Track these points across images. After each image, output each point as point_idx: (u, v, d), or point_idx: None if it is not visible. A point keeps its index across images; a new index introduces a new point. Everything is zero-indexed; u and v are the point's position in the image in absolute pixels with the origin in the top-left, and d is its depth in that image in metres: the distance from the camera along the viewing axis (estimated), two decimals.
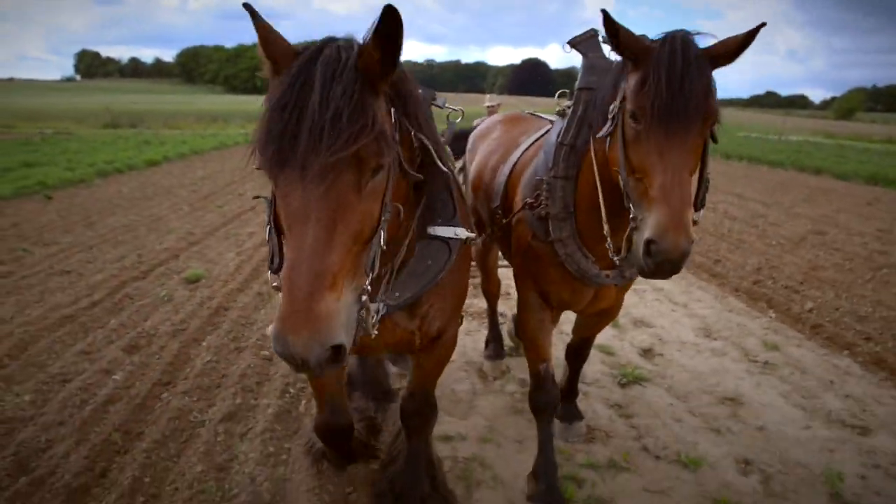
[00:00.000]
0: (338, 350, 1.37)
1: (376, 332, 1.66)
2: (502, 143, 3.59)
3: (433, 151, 1.90)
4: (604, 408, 4.05)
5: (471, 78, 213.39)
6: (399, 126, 1.64)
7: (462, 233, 2.22)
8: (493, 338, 4.76)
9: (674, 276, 1.99)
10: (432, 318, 2.31)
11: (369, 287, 1.53)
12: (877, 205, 13.57)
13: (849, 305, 6.29)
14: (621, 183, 2.14)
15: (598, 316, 3.25)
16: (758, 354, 5.04)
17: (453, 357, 4.62)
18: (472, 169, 3.81)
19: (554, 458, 3.12)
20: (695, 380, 4.51)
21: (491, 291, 4.78)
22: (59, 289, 6.21)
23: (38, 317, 5.32)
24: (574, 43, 2.70)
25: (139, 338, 4.92)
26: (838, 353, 5.14)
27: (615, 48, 2.14)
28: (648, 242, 1.93)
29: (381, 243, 1.55)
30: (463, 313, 2.68)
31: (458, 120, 2.64)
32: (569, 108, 2.74)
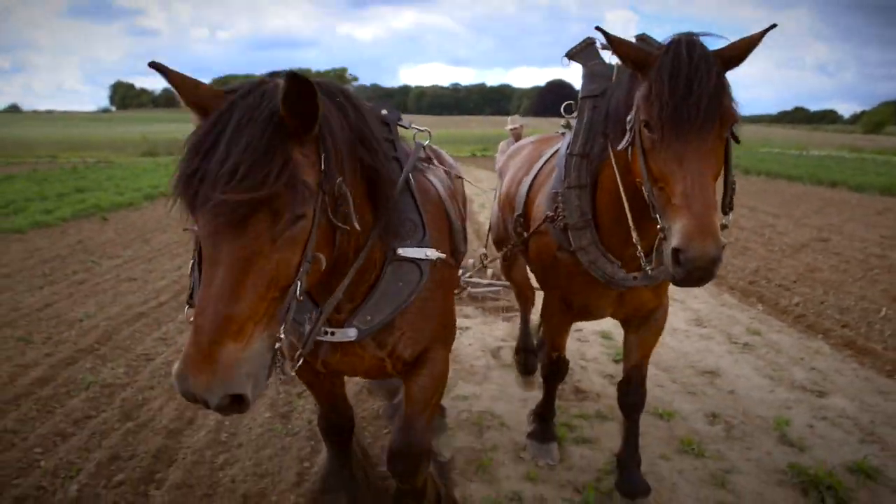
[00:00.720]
0: (239, 398, 1.38)
1: (293, 375, 1.73)
2: (527, 159, 3.68)
3: (383, 176, 1.91)
4: (599, 377, 4.77)
5: (496, 101, 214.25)
6: (327, 172, 1.58)
7: (432, 254, 2.19)
8: (525, 347, 4.70)
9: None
10: (404, 346, 2.25)
11: (283, 336, 1.50)
12: (887, 214, 13.99)
13: (834, 300, 6.91)
14: (645, 194, 2.12)
15: (642, 328, 3.09)
16: (740, 338, 5.72)
17: (471, 341, 5.44)
18: (503, 186, 3.90)
19: (553, 405, 3.75)
20: (681, 357, 5.21)
21: (525, 296, 4.77)
22: (129, 292, 7.15)
23: (116, 313, 6.24)
24: (571, 54, 2.73)
25: None
26: (813, 337, 5.79)
27: (623, 61, 2.17)
28: (676, 251, 1.89)
29: (298, 294, 1.51)
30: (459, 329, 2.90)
31: (426, 142, 2.69)
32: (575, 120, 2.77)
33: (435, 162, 2.93)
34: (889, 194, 17.61)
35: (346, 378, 2.81)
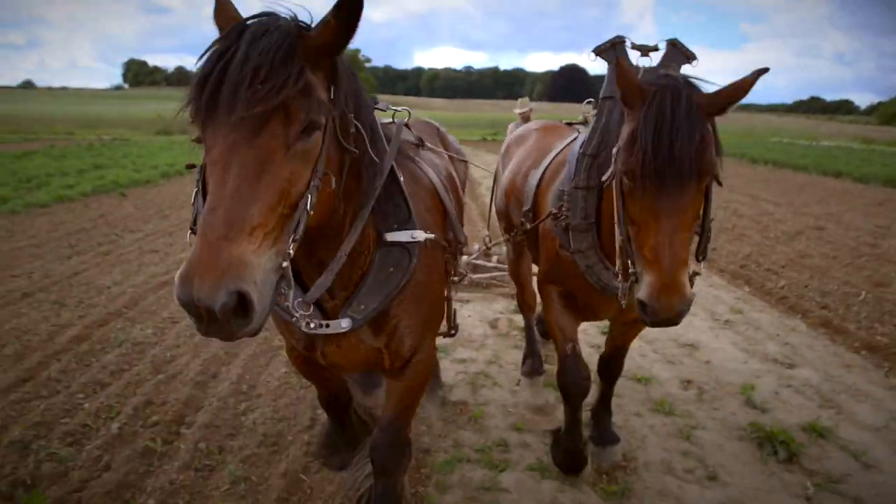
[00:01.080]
0: (244, 302, 1.28)
1: (303, 314, 1.81)
2: (535, 149, 3.64)
3: (368, 141, 1.87)
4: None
5: (509, 84, 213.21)
6: (337, 104, 1.60)
7: (420, 235, 2.14)
8: (531, 353, 4.61)
9: None
10: (401, 335, 2.22)
11: (291, 251, 1.46)
12: (887, 204, 14.22)
13: (818, 284, 7.26)
14: (617, 234, 2.17)
15: (631, 324, 3.17)
16: (723, 316, 6.12)
17: (470, 313, 5.85)
18: (506, 174, 3.90)
19: (580, 430, 3.32)
20: (664, 332, 5.59)
21: (527, 303, 4.65)
22: (152, 263, 7.61)
23: (141, 282, 6.70)
24: (599, 51, 2.66)
25: None
26: (793, 317, 6.18)
27: (624, 100, 2.15)
28: (641, 304, 1.96)
29: (309, 207, 1.49)
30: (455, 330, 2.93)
31: (405, 119, 2.57)
32: (593, 116, 2.76)
33: (429, 145, 2.93)
34: (892, 185, 17.75)
35: None
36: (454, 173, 3.19)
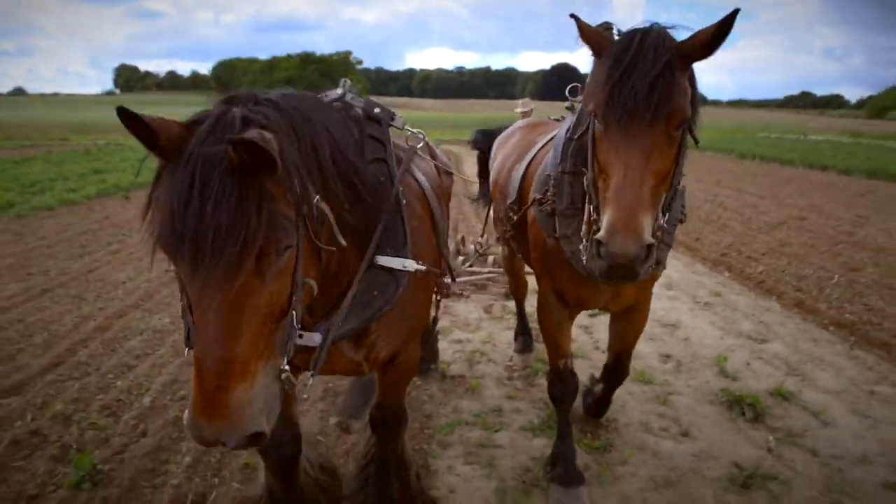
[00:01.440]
0: (257, 434, 1.39)
1: (306, 397, 1.95)
2: (519, 145, 3.68)
3: (360, 185, 1.86)
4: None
5: (501, 84, 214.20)
6: (303, 196, 1.52)
7: (410, 265, 2.13)
8: (522, 331, 4.91)
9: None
10: (380, 348, 2.25)
11: (287, 366, 1.52)
12: (868, 196, 14.68)
13: (795, 270, 7.68)
14: (585, 183, 2.15)
15: (625, 321, 3.29)
16: (703, 298, 6.53)
17: (468, 295, 6.23)
18: (493, 173, 3.95)
19: (572, 440, 3.29)
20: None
21: (518, 293, 4.94)
22: (162, 259, 7.84)
23: (154, 277, 7.06)
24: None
25: None
26: (768, 299, 6.59)
27: (586, 44, 2.13)
28: (598, 243, 1.89)
29: (296, 323, 1.53)
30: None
31: (419, 145, 2.59)
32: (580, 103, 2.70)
33: (420, 154, 2.89)
34: (874, 177, 18.26)
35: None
36: (443, 183, 3.24)
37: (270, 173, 1.37)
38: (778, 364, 4.84)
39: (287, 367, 1.52)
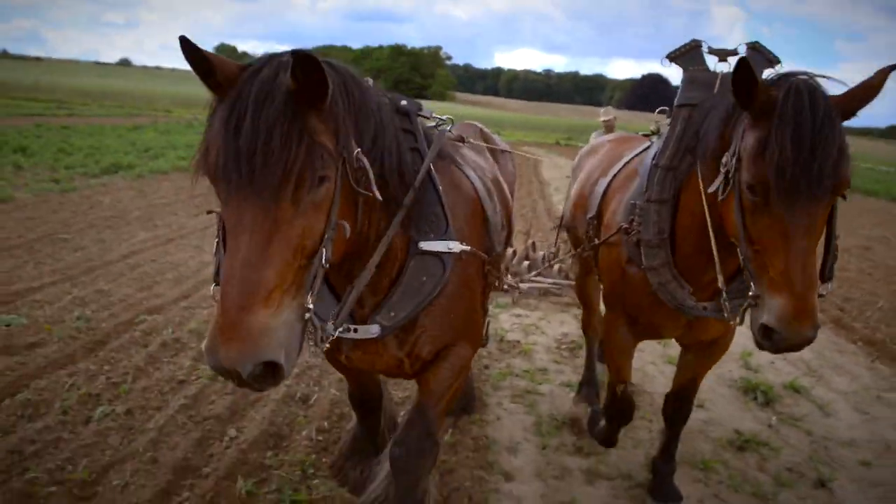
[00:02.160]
0: (273, 367, 1.35)
1: (327, 346, 1.72)
2: (606, 159, 3.50)
3: (376, 172, 1.74)
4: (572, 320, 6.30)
5: (589, 90, 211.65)
6: (343, 142, 1.56)
7: (455, 246, 2.13)
8: (588, 381, 4.26)
9: None
10: (424, 342, 2.20)
11: (312, 304, 1.49)
12: None
13: (843, 292, 8.06)
14: (741, 256, 1.96)
15: (704, 349, 2.95)
16: None
17: (522, 290, 7.03)
18: (576, 186, 3.77)
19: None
20: None
21: (592, 326, 4.32)
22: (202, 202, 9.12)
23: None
24: (673, 56, 2.53)
25: None
26: None
27: (744, 104, 1.87)
28: (768, 329, 1.79)
29: (324, 261, 1.52)
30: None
31: (448, 129, 2.45)
32: (667, 126, 2.61)
33: (471, 141, 3.00)
34: None
35: None
36: (500, 178, 3.17)
37: (320, 103, 1.46)
38: (799, 365, 5.43)
39: (311, 307, 1.50)
